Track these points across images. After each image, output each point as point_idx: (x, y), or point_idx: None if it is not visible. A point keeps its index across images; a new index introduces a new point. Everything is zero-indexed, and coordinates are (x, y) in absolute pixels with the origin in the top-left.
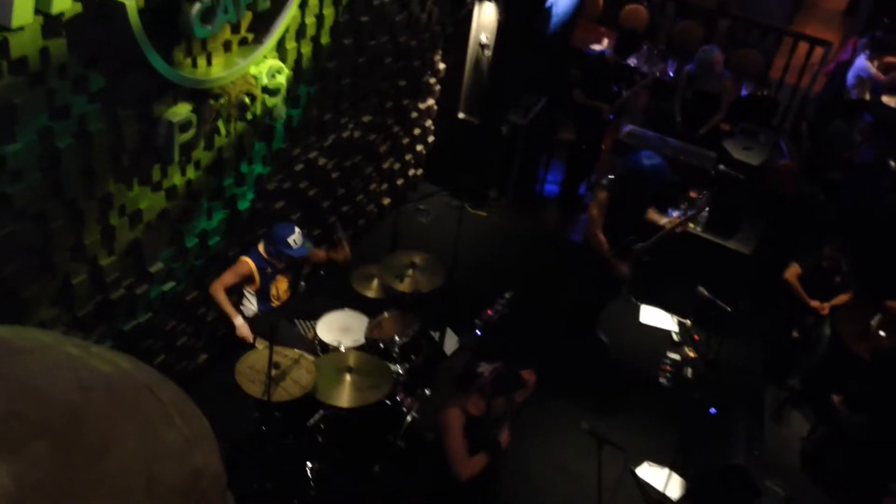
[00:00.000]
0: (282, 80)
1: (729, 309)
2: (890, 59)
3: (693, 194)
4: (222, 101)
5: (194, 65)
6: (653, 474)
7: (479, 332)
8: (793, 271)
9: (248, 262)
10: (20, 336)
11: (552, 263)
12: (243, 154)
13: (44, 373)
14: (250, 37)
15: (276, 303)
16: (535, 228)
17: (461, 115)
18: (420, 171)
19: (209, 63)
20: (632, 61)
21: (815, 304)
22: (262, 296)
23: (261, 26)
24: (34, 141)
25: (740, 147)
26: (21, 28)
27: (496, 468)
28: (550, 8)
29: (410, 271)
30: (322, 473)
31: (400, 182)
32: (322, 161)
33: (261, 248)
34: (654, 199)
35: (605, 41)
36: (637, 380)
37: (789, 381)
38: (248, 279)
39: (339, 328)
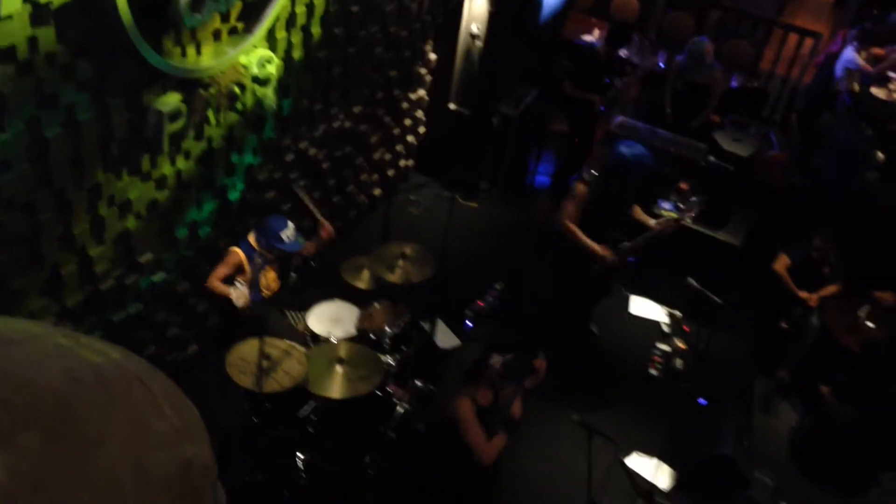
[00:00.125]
0: (272, 69)
1: (718, 300)
2: (877, 50)
3: (683, 186)
4: (212, 90)
5: (184, 54)
6: (642, 464)
7: (469, 324)
8: (782, 262)
9: (237, 253)
10: (9, 327)
11: (543, 255)
12: (233, 144)
13: (33, 363)
14: (240, 26)
15: (266, 293)
16: (526, 220)
17: (452, 106)
18: (411, 162)
19: (199, 52)
20: (623, 53)
21: (803, 295)
22: (253, 286)
23: (251, 15)
24: (22, 130)
25: (730, 138)
26: (9, 16)
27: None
28: None
29: (401, 262)
30: (313, 464)
31: (391, 173)
32: (313, 152)
33: (251, 239)
34: (638, 193)
35: (597, 32)
36: (627, 371)
37: (778, 372)
38: (238, 269)
39: (329, 319)
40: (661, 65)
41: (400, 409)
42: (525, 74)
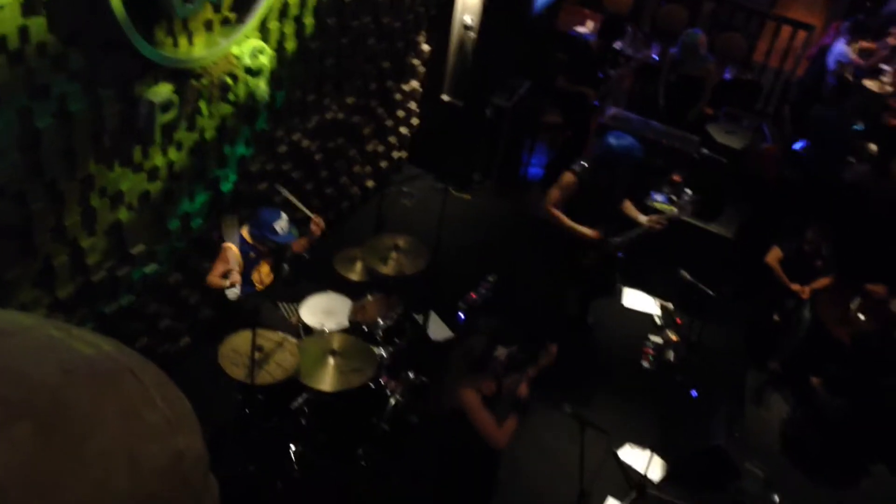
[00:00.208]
0: (264, 60)
1: (711, 292)
2: (865, 44)
3: (676, 178)
4: (204, 81)
5: (175, 44)
6: (635, 456)
7: (462, 316)
8: (774, 255)
9: (231, 248)
10: (0, 319)
11: (536, 247)
12: (226, 135)
13: (25, 355)
14: (232, 16)
15: (259, 286)
16: (520, 212)
17: (445, 98)
18: (404, 154)
19: (191, 43)
20: (616, 45)
21: (795, 287)
22: (246, 279)
23: (243, 6)
24: (13, 121)
25: (723, 131)
26: (0, 6)
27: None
28: None
29: (394, 254)
30: (305, 456)
31: (384, 164)
32: (305, 143)
33: (244, 231)
34: (629, 187)
35: (590, 24)
36: (620, 363)
37: (770, 364)
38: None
39: (322, 311)
40: (655, 57)
41: (392, 401)
42: (518, 66)
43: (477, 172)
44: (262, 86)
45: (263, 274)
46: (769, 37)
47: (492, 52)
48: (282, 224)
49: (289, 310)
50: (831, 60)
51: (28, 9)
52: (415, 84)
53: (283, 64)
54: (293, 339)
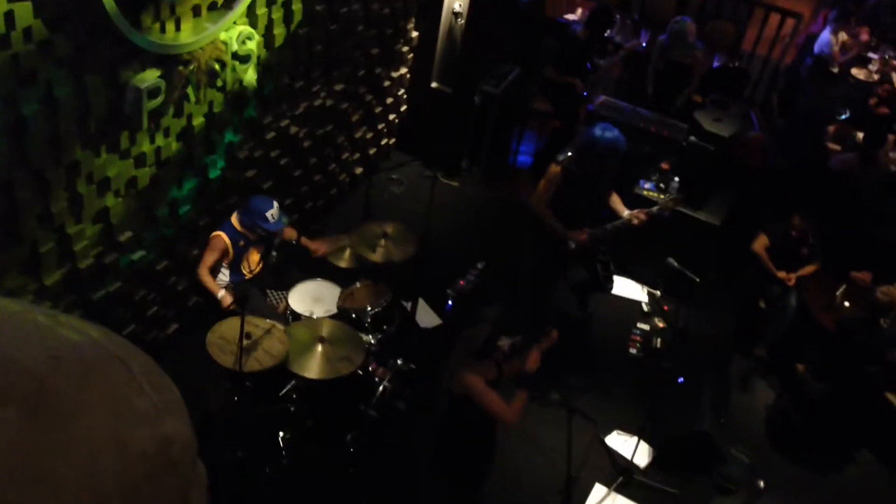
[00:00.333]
0: (252, 46)
1: (698, 280)
2: (846, 39)
3: (664, 166)
4: (192, 67)
5: (163, 30)
6: (622, 443)
7: (450, 303)
8: (761, 242)
9: (222, 237)
10: None
11: (522, 235)
12: (214, 122)
13: (11, 341)
14: (220, 1)
15: (247, 274)
16: (508, 199)
17: (434, 85)
18: (392, 141)
19: (178, 28)
20: (605, 33)
21: (781, 274)
22: (235, 268)
23: None
24: None
25: (711, 118)
26: None
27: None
28: None
29: (383, 241)
30: (294, 442)
31: (372, 151)
32: (294, 130)
33: (234, 219)
34: (614, 178)
35: (580, 11)
36: (607, 350)
37: (756, 351)
38: (224, 253)
39: (311, 298)
40: (644, 45)
41: (381, 388)
42: (507, 53)
43: (465, 159)
44: (250, 72)
45: (252, 262)
46: (758, 25)
47: (481, 39)
48: (273, 212)
49: (277, 297)
50: (817, 48)
51: None
52: (403, 71)
53: (272, 50)
54: (281, 327)
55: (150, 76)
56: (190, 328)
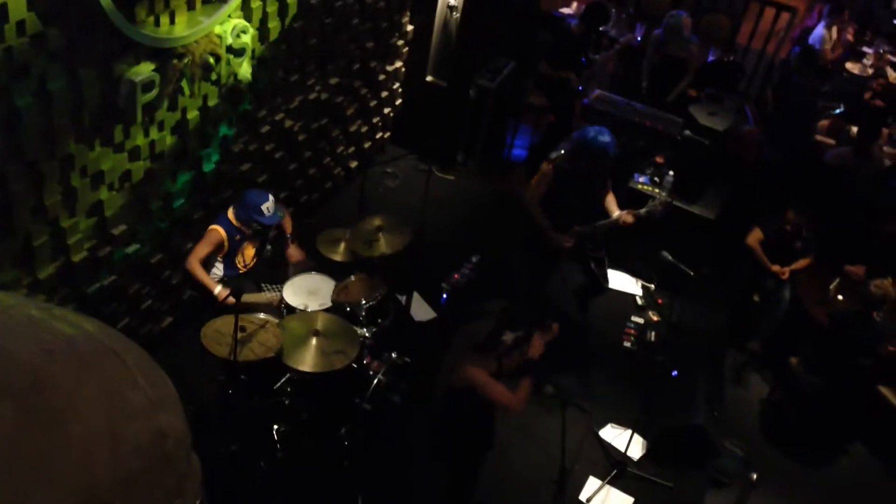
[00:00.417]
0: (247, 39)
1: (692, 273)
2: (835, 37)
3: (659, 160)
4: (186, 60)
5: (157, 23)
6: (616, 436)
7: (445, 296)
8: (755, 236)
9: (218, 230)
10: None
11: (520, 228)
12: (208, 115)
13: (6, 335)
14: None
15: (242, 269)
16: (502, 193)
17: (429, 78)
18: (387, 134)
19: (172, 22)
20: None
21: (775, 268)
22: (229, 262)
23: None
24: None
25: (706, 112)
26: None
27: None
28: None
29: (378, 235)
30: (288, 435)
31: (367, 145)
32: (288, 123)
33: (230, 214)
34: (607, 178)
35: (574, 5)
36: (602, 344)
37: (749, 344)
38: (219, 247)
39: (305, 291)
40: (639, 39)
41: (375, 381)
42: (502, 47)
43: (460, 153)
44: (244, 65)
45: (247, 256)
46: (753, 19)
47: (476, 33)
48: (268, 205)
49: (272, 291)
50: (811, 42)
51: None
52: (398, 64)
53: (267, 43)
54: (276, 320)
55: (145, 69)
56: (184, 322)
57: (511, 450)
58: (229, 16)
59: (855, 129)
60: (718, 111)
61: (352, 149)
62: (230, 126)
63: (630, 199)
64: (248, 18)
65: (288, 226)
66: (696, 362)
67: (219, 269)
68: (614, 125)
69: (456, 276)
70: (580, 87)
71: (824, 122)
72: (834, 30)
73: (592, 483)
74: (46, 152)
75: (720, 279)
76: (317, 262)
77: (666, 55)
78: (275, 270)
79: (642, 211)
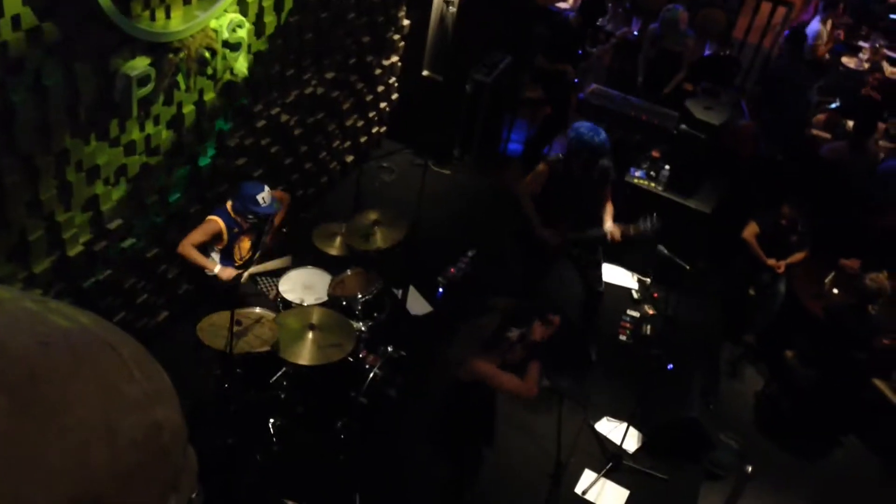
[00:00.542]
0: (243, 34)
1: (688, 267)
2: (828, 32)
3: (655, 154)
4: (182, 55)
5: (152, 18)
6: (611, 429)
7: (441, 290)
8: (751, 230)
9: (217, 221)
10: None
11: (515, 223)
12: (204, 110)
13: (0, 328)
14: None
15: (238, 262)
16: (499, 187)
17: (425, 73)
18: (383, 129)
19: (168, 16)
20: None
21: (771, 262)
22: (226, 255)
23: None
24: None
25: (702, 107)
26: None
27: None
28: None
29: (375, 229)
30: (284, 429)
31: (363, 139)
32: (284, 118)
33: (228, 206)
34: (601, 186)
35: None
36: (598, 337)
37: (745, 338)
38: (216, 238)
39: (301, 286)
40: (635, 33)
41: (371, 375)
42: (499, 41)
43: (456, 148)
44: (240, 60)
45: (244, 250)
46: (749, 13)
47: (472, 27)
48: (264, 195)
49: (268, 285)
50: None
51: None
52: (395, 59)
53: (262, 38)
54: (272, 315)
55: (140, 64)
56: (180, 316)
57: (507, 443)
58: (225, 10)
59: (851, 124)
60: (714, 105)
61: (348, 143)
62: (226, 120)
63: (630, 195)
64: (243, 13)
65: (277, 219)
66: (691, 356)
67: (216, 261)
68: (610, 119)
69: (452, 270)
70: (576, 80)
71: (820, 117)
72: (829, 24)
73: (588, 476)
74: (42, 147)
75: (716, 273)
76: (313, 257)
77: (662, 49)
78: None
79: (632, 230)
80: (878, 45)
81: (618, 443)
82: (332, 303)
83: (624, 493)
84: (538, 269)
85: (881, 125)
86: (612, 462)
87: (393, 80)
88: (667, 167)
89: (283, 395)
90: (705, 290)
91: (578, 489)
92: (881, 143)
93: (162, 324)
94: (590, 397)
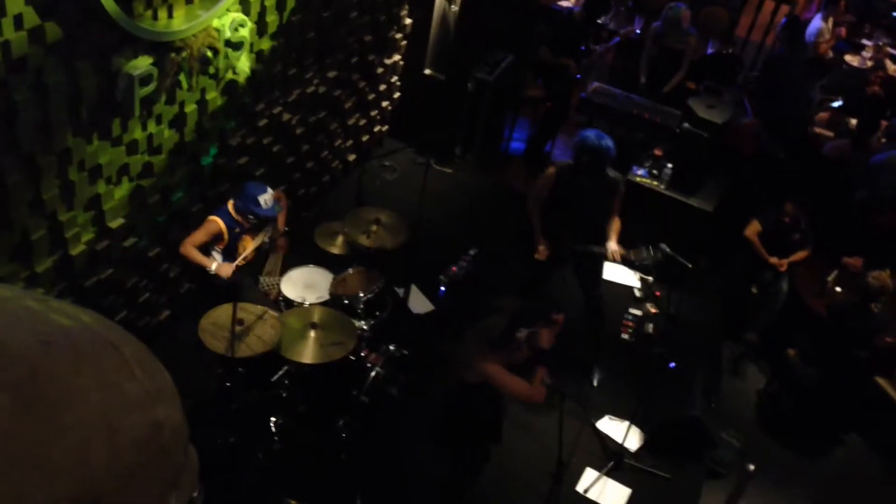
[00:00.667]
0: (245, 33)
1: (690, 265)
2: (827, 33)
3: (658, 152)
4: (184, 54)
5: (155, 17)
6: (613, 427)
7: (443, 289)
8: (753, 229)
9: (217, 221)
10: None
11: (517, 221)
12: (206, 109)
13: (2, 326)
14: None
15: (241, 262)
16: (500, 186)
17: (427, 71)
18: (385, 128)
19: (170, 15)
20: (600, 19)
21: (774, 260)
22: (228, 254)
23: None
24: None
25: (704, 105)
26: None
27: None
28: None
29: (375, 227)
30: (286, 428)
31: (365, 138)
32: (286, 117)
33: (230, 206)
34: (604, 198)
35: None
36: (601, 354)
37: (747, 336)
38: (216, 238)
39: (303, 285)
40: (637, 32)
41: (373, 374)
42: (501, 39)
43: (458, 146)
44: (242, 59)
45: (247, 249)
46: (752, 12)
47: (474, 26)
48: (266, 198)
49: (269, 284)
50: (808, 35)
51: None
52: (397, 58)
53: (264, 37)
54: (274, 313)
55: (143, 63)
56: (182, 315)
57: (508, 442)
58: (227, 9)
59: (854, 122)
60: (717, 104)
61: (350, 142)
62: (228, 119)
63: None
64: (246, 12)
65: (281, 222)
66: (693, 354)
67: (217, 260)
68: (613, 117)
69: (454, 268)
70: (578, 76)
71: (823, 115)
72: (830, 21)
73: (590, 474)
74: (44, 146)
75: (718, 271)
76: (314, 256)
77: (664, 47)
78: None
79: (633, 256)
80: (881, 43)
81: (620, 441)
82: (333, 301)
83: (626, 491)
84: (540, 270)
85: (883, 123)
86: (613, 461)
87: (395, 78)
88: (669, 165)
89: (284, 394)
90: (707, 288)
91: (580, 488)
92: (884, 140)
93: (164, 322)
94: (591, 396)
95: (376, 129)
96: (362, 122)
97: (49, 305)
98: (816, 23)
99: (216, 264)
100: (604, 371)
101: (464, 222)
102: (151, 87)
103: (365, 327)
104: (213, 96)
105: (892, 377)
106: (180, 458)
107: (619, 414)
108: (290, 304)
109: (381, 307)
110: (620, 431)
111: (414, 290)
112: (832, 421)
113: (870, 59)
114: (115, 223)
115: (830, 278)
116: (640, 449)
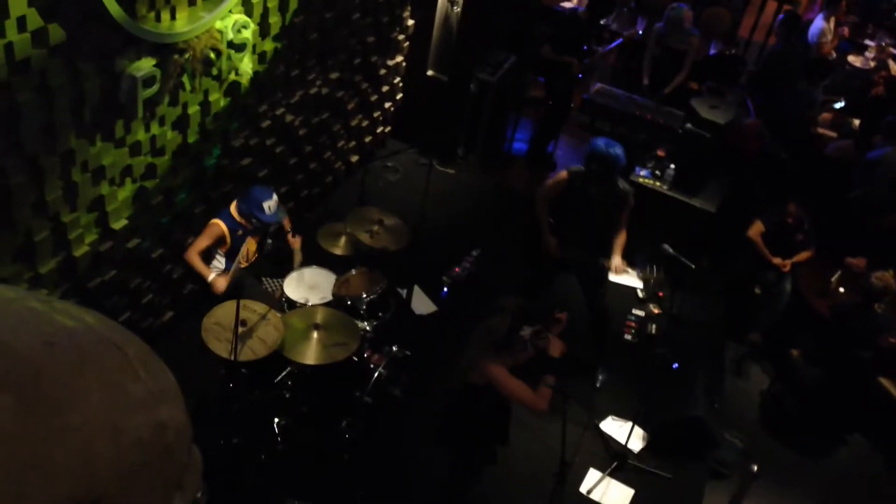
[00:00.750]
0: (248, 35)
1: (693, 266)
2: (829, 34)
3: (661, 153)
4: (187, 56)
5: (158, 19)
6: (616, 428)
7: (445, 290)
8: (756, 229)
9: (219, 224)
10: None
11: (520, 221)
12: (209, 110)
13: (6, 327)
14: None
15: (244, 263)
16: (503, 186)
17: (430, 72)
18: (388, 129)
19: (173, 17)
20: (603, 21)
21: (777, 261)
22: (231, 256)
23: None
24: None
25: (707, 106)
26: None
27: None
28: None
29: (377, 227)
30: (289, 428)
31: (368, 139)
32: (289, 118)
33: (233, 208)
34: (613, 210)
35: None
36: (605, 358)
37: (750, 336)
38: (219, 241)
39: (306, 286)
40: (640, 33)
41: (376, 375)
42: (503, 41)
43: (461, 147)
44: (245, 60)
45: (250, 252)
46: (754, 12)
47: (476, 27)
48: (270, 204)
49: (273, 285)
50: (810, 35)
51: None
52: (399, 59)
53: (267, 38)
54: (277, 313)
55: (146, 65)
56: (185, 315)
57: (511, 442)
58: (230, 11)
59: (857, 122)
60: (720, 104)
61: (352, 143)
62: (231, 120)
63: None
64: (248, 13)
65: (286, 224)
66: (696, 354)
67: (220, 263)
68: (615, 118)
69: (456, 269)
70: (580, 75)
71: (826, 115)
72: (832, 21)
73: (593, 475)
74: (47, 147)
75: (721, 271)
76: (317, 257)
77: (667, 48)
78: (276, 265)
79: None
80: (884, 44)
81: (623, 442)
82: (336, 302)
83: (629, 492)
84: (543, 271)
85: None
86: (616, 461)
87: (397, 79)
88: (672, 166)
89: (287, 395)
90: (710, 288)
91: (583, 488)
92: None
93: (167, 323)
94: (594, 397)
95: (379, 130)
96: (365, 123)
97: (52, 306)
98: (818, 23)
99: (212, 276)
100: (607, 372)
101: (466, 223)
102: (154, 88)
103: (368, 328)
104: (216, 98)
105: (895, 378)
106: (184, 458)
107: (623, 414)
108: (292, 304)
109: (384, 308)
110: (624, 432)
111: (417, 290)
112: (835, 421)
113: (873, 59)
114: (118, 224)
115: (834, 279)
116: (643, 449)
